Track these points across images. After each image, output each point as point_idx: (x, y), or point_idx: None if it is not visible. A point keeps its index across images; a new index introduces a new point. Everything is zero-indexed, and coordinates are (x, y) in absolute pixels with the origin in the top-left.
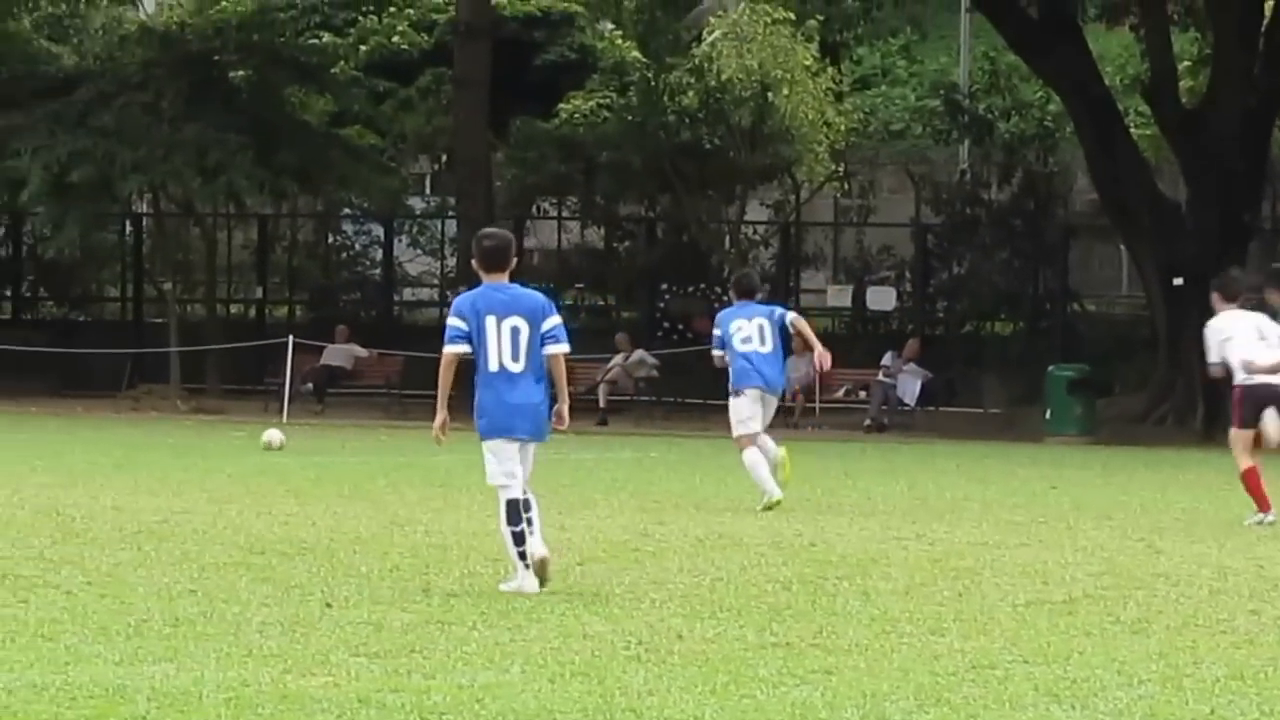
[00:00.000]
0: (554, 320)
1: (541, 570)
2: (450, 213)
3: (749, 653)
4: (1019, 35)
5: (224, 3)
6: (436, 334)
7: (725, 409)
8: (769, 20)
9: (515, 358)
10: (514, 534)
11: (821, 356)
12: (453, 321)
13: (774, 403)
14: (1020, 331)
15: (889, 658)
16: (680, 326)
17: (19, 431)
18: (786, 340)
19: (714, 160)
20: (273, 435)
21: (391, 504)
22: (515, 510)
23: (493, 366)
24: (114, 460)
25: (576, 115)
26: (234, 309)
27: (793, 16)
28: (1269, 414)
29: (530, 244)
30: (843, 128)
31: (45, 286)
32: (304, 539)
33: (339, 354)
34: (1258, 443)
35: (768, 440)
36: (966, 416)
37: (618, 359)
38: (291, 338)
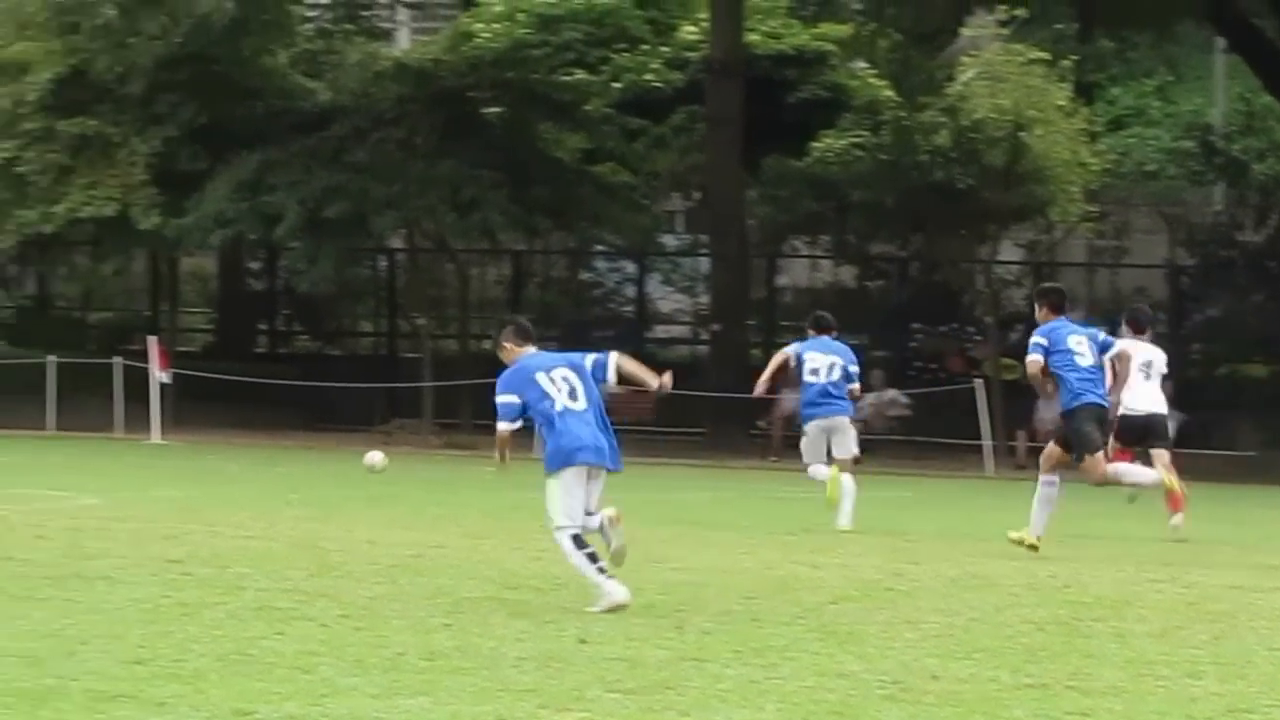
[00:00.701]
0: (591, 357)
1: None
2: (703, 250)
3: (1004, 694)
4: (1275, 77)
5: (478, 39)
6: (690, 371)
7: (975, 449)
8: (1023, 60)
9: (574, 398)
10: (587, 555)
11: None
12: (504, 399)
13: (847, 430)
14: (1276, 374)
15: (1145, 700)
16: (932, 365)
17: (275, 465)
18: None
19: (966, 200)
20: (374, 457)
21: (645, 540)
22: (580, 541)
23: (557, 408)
24: (368, 494)
25: (829, 154)
26: (486, 344)
27: (1047, 56)
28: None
29: (782, 282)
30: (1096, 168)
31: (300, 321)
32: (558, 574)
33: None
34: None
35: (844, 477)
36: (1220, 459)
37: (870, 397)
38: None
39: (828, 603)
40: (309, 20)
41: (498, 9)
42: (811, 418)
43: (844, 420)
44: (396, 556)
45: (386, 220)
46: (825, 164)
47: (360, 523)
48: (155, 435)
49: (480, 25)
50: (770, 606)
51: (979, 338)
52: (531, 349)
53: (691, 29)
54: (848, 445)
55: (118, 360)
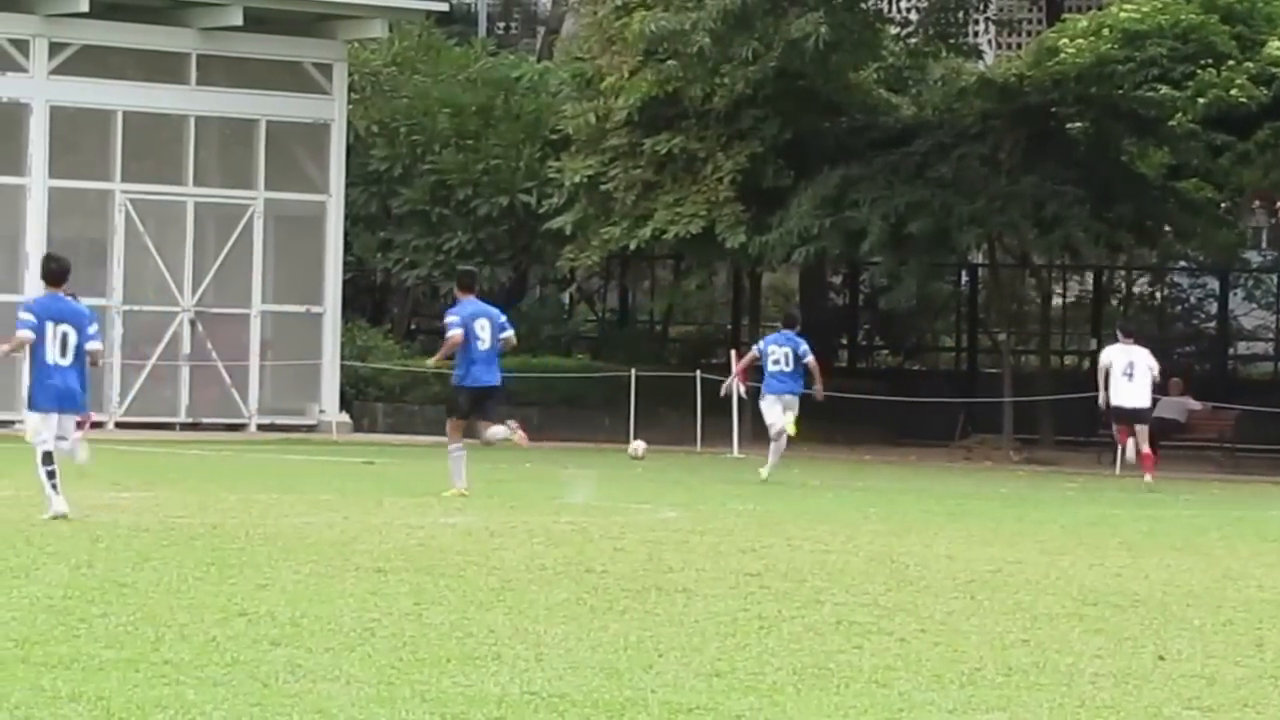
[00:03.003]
0: (95, 325)
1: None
2: None
3: None
4: None
5: (1063, 55)
6: (1273, 389)
7: None
8: None
9: (64, 354)
10: (47, 472)
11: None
12: (24, 315)
13: (793, 402)
14: None
15: None
16: None
17: (854, 479)
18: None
19: None
20: (637, 445)
21: (1223, 558)
22: (49, 458)
23: (49, 360)
24: (947, 509)
25: None
26: (1067, 360)
27: None
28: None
29: None
30: None
31: (881, 336)
32: (1136, 591)
33: (1172, 407)
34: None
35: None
36: None
37: None
38: None
39: None
40: (899, 39)
41: (1083, 24)
42: (771, 392)
43: (793, 399)
44: (974, 572)
45: (969, 236)
46: None
47: (938, 537)
48: (735, 449)
49: (1065, 41)
50: None
51: None
52: (58, 292)
53: (1278, 44)
54: (787, 409)
55: (698, 374)
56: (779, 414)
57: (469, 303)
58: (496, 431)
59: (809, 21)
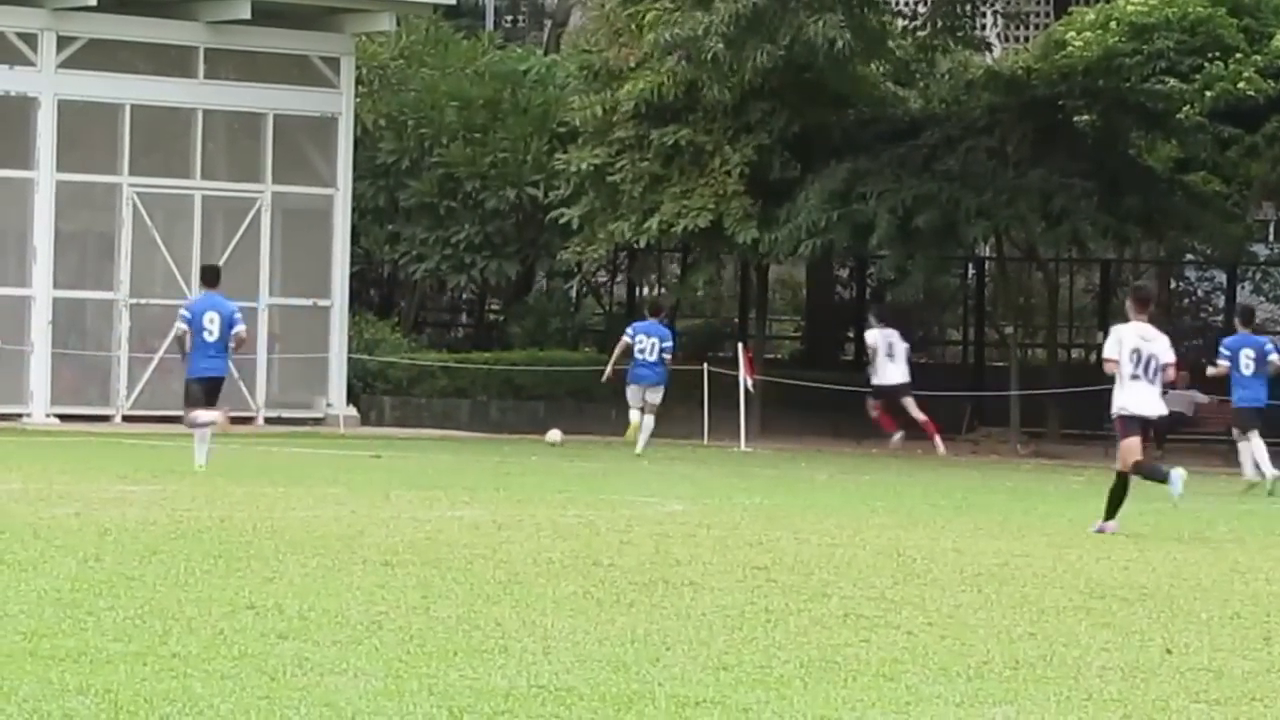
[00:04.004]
0: None
1: None
2: None
3: None
4: None
5: (1070, 48)
6: None
7: None
8: None
9: None
10: None
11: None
12: None
13: (657, 391)
14: None
15: None
16: None
17: (861, 473)
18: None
19: None
20: (554, 434)
21: (1231, 551)
22: None
23: None
24: (954, 503)
25: None
26: (1074, 354)
27: None
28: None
29: None
30: None
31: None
32: (1143, 584)
33: (1180, 400)
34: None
35: (645, 418)
36: None
37: None
38: None
39: None
40: (907, 33)
41: (1090, 17)
42: (634, 382)
43: (655, 388)
44: (981, 565)
45: (976, 229)
46: None
47: (945, 531)
48: (742, 442)
49: (1073, 34)
50: None
51: None
52: None
53: None
54: (650, 399)
55: (705, 367)
56: (640, 400)
57: (206, 297)
58: (204, 416)
59: (829, 25)
